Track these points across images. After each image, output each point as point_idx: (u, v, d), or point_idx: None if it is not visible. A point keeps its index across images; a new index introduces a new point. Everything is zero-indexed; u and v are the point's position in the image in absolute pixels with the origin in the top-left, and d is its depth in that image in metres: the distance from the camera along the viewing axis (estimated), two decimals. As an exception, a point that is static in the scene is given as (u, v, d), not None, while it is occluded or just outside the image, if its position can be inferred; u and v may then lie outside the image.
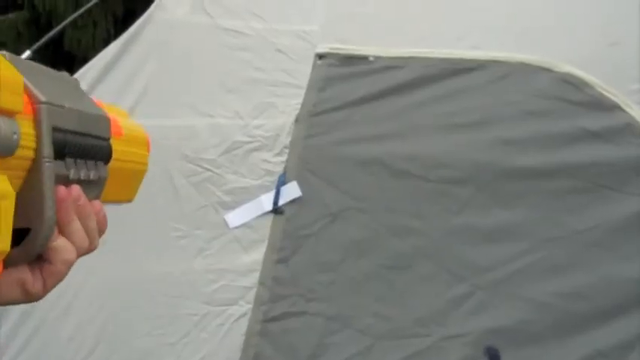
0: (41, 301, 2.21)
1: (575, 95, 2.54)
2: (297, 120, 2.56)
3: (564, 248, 2.44)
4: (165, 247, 2.50)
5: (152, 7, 2.74)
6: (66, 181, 0.61)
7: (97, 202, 0.66)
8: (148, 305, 2.46)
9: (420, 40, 2.65)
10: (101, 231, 0.67)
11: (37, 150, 0.55)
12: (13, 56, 0.58)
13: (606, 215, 2.46)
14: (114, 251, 2.48)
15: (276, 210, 2.47)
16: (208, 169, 2.54)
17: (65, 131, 0.59)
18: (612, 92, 2.54)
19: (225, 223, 2.49)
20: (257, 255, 2.47)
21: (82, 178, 0.63)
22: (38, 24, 9.14)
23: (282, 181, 2.50)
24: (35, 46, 2.81)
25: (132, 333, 2.46)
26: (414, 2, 2.76)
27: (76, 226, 0.62)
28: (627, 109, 2.53)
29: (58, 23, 3.12)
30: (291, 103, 2.58)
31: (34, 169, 0.56)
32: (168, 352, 2.43)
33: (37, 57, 2.80)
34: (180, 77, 2.67)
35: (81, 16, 4.14)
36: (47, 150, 0.56)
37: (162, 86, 2.64)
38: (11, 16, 9.47)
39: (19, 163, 0.54)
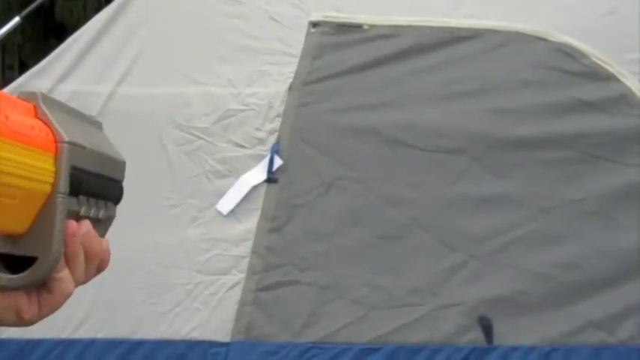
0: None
1: (570, 65, 2.53)
2: (290, 88, 2.53)
3: (559, 218, 2.44)
4: (159, 216, 2.48)
5: (144, -26, 2.70)
6: (77, 217, 0.64)
7: (104, 240, 0.69)
8: (141, 274, 2.45)
9: (415, 8, 2.63)
10: (101, 268, 0.69)
11: (54, 185, 0.60)
12: (46, 96, 0.62)
13: (601, 185, 2.46)
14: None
15: (270, 179, 2.46)
16: (201, 138, 2.51)
17: (83, 171, 0.64)
18: (608, 62, 2.53)
19: (218, 192, 2.47)
20: (250, 224, 2.45)
21: (91, 215, 0.67)
22: (28, -6, 9.05)
23: (275, 150, 2.48)
24: (24, 12, 2.77)
25: (125, 302, 2.44)
26: (409, -30, 2.73)
27: (81, 260, 0.65)
28: (623, 80, 2.52)
29: (49, -8, 3.07)
30: (284, 71, 2.55)
31: (49, 202, 0.60)
32: (160, 321, 2.43)
33: (29, 26, 2.76)
34: (172, 45, 2.64)
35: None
36: (63, 186, 0.60)
37: (154, 54, 2.61)
38: (1, -14, 9.37)
39: (36, 195, 0.59)
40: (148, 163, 2.51)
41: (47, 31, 9.36)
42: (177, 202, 2.48)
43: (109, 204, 0.71)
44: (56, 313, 2.11)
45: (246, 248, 2.44)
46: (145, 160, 2.52)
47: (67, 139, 0.60)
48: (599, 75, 2.51)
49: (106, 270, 2.26)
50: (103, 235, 0.70)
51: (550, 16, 2.60)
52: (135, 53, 2.60)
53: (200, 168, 2.49)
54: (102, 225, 0.70)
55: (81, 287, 2.17)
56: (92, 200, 0.67)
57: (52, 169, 0.59)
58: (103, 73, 2.57)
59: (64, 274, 0.63)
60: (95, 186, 0.66)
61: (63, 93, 2.54)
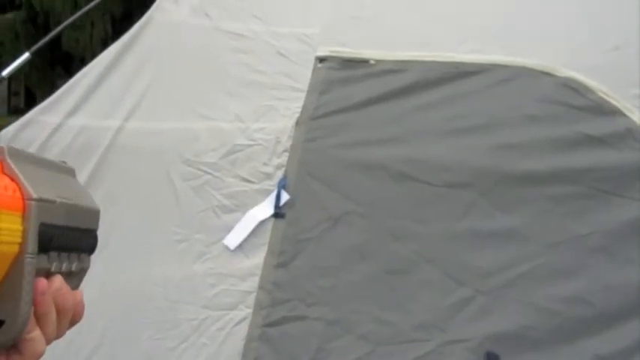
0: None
1: (576, 100, 2.54)
2: (297, 123, 2.55)
3: (566, 253, 2.43)
4: (165, 251, 2.48)
5: (152, 8, 2.73)
6: (47, 274, 0.62)
7: (78, 293, 0.66)
8: (148, 310, 2.45)
9: (421, 43, 2.65)
10: (75, 322, 0.67)
11: (23, 245, 0.57)
12: (13, 148, 0.59)
13: (608, 220, 2.45)
14: (114, 255, 2.47)
15: (277, 214, 2.46)
16: (208, 173, 2.52)
17: (53, 226, 0.61)
18: (613, 97, 2.54)
19: (225, 226, 2.47)
20: (257, 259, 2.45)
21: (63, 270, 0.64)
22: (35, 23, 9.12)
23: (282, 185, 2.49)
24: (34, 48, 2.80)
25: (132, 337, 2.44)
26: (415, 6, 2.75)
27: (52, 317, 0.63)
28: (628, 114, 2.53)
29: (56, 22, 3.12)
30: (291, 106, 2.57)
31: (17, 262, 0.57)
32: (168, 357, 2.42)
33: (35, 56, 2.78)
34: (180, 80, 2.66)
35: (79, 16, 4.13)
36: (31, 247, 0.57)
37: (161, 89, 2.63)
38: (9, 15, 9.45)
39: (3, 256, 0.56)
40: (156, 197, 2.52)
41: (53, 59, 9.42)
42: (184, 237, 2.48)
43: (83, 255, 0.68)
44: (63, 350, 2.11)
45: (253, 283, 2.44)
46: (153, 194, 2.53)
47: (34, 195, 0.57)
48: (605, 110, 2.52)
49: (113, 305, 2.26)
50: (76, 287, 0.67)
51: (555, 51, 2.61)
52: (143, 88, 2.62)
53: (207, 203, 2.50)
54: (75, 277, 0.67)
55: (86, 324, 2.15)
56: (64, 255, 0.64)
57: (20, 228, 0.57)
58: (111, 107, 2.59)
59: (35, 334, 0.60)
60: (66, 240, 0.63)
61: (72, 128, 2.56)
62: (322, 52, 2.63)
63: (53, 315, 0.63)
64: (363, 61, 2.61)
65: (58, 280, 0.63)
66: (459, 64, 2.59)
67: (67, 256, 0.65)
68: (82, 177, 2.51)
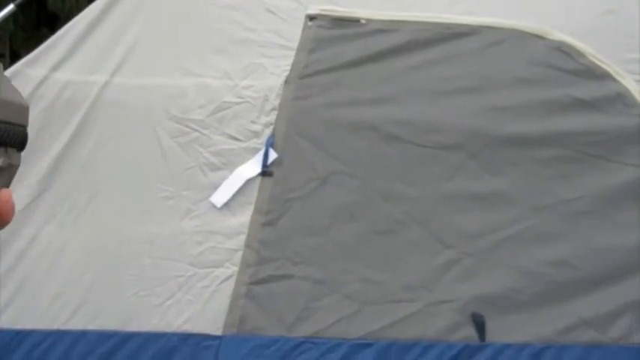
0: (23, 260, 2.17)
1: (567, 63, 2.53)
2: (286, 81, 2.52)
3: (553, 217, 2.44)
4: (152, 208, 2.46)
5: (140, -37, 2.68)
6: None
7: (4, 191, 0.64)
8: (134, 266, 2.43)
9: (413, 4, 2.62)
10: (3, 220, 0.64)
11: None
12: None
13: (596, 184, 2.46)
14: (100, 211, 2.46)
15: (265, 172, 2.45)
16: (196, 130, 2.50)
17: None
18: (605, 61, 2.53)
19: (213, 184, 2.46)
20: (244, 217, 2.44)
21: None
22: (21, -18, 8.98)
23: (270, 143, 2.47)
24: (18, 0, 2.74)
25: (117, 294, 2.43)
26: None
27: None
28: (619, 79, 2.52)
29: (42, -19, 3.04)
30: (281, 64, 2.54)
31: None
32: (153, 314, 2.41)
33: (21, 15, 2.73)
34: (168, 36, 2.62)
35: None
36: None
37: (149, 45, 2.59)
38: (-7, -27, 9.31)
39: None
40: (142, 154, 2.50)
41: (39, 20, 9.30)
42: (171, 195, 2.46)
43: (11, 150, 0.66)
44: (47, 305, 2.09)
45: (239, 241, 2.43)
46: (139, 151, 2.50)
47: None
48: (596, 74, 2.51)
49: (98, 261, 2.23)
50: (5, 185, 0.66)
51: (548, 14, 2.60)
52: (130, 44, 2.57)
53: (194, 160, 2.48)
54: (3, 173, 0.65)
55: (72, 279, 2.15)
56: None
57: None
58: (97, 62, 2.55)
59: None
60: None
61: (57, 82, 2.52)
62: (313, 10, 2.59)
63: None
64: (354, 20, 2.58)
65: None
66: (451, 25, 2.57)
67: None
68: (67, 131, 2.49)
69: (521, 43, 2.55)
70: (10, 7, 2.63)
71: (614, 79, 2.52)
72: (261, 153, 2.45)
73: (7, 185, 0.65)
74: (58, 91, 2.51)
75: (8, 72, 2.52)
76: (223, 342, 2.39)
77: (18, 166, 0.67)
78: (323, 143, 2.47)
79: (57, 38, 2.58)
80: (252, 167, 2.45)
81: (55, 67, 2.53)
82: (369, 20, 2.58)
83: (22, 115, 0.68)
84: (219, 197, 2.44)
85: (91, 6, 2.63)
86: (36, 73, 2.49)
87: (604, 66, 2.53)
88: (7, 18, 2.79)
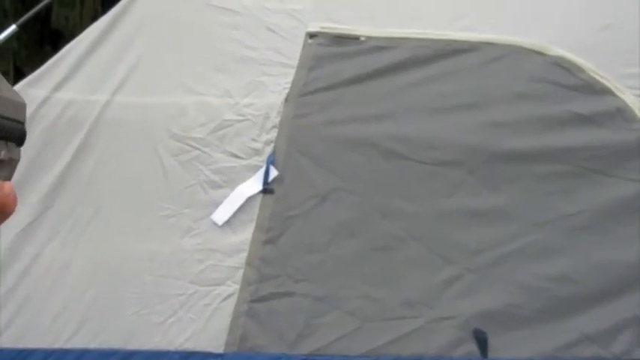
0: (26, 278, 2.17)
1: (567, 79, 2.53)
2: (287, 99, 2.53)
3: (554, 232, 2.44)
4: (154, 226, 2.47)
5: (142, -18, 2.70)
6: None
7: (7, 183, 0.65)
8: (136, 284, 2.44)
9: (412, 20, 2.63)
10: (5, 213, 0.66)
11: None
12: None
13: (596, 199, 2.46)
14: (102, 229, 2.47)
15: (266, 190, 2.45)
16: (197, 148, 2.51)
17: None
18: (604, 76, 2.54)
19: (214, 202, 2.47)
20: (245, 235, 2.45)
21: None
22: (24, 1, 9.04)
23: (271, 161, 2.48)
24: (21, 20, 2.76)
25: (119, 312, 2.43)
26: (406, -18, 2.73)
27: None
28: (619, 94, 2.53)
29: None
30: (281, 82, 2.55)
31: None
32: (154, 332, 2.41)
33: (24, 33, 2.75)
34: (169, 55, 2.63)
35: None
36: None
37: (150, 63, 2.60)
38: (-3, -8, 9.37)
39: None
40: (144, 172, 2.51)
41: (43, 37, 9.34)
42: (172, 213, 2.47)
43: (11, 144, 0.68)
44: (49, 323, 2.10)
45: (240, 259, 2.43)
46: (140, 169, 2.52)
47: None
48: (595, 89, 2.52)
49: (100, 279, 2.23)
50: (6, 178, 0.68)
51: (547, 29, 2.61)
52: (131, 62, 2.59)
53: (195, 178, 2.49)
54: (4, 167, 0.67)
55: (74, 298, 2.15)
56: None
57: None
58: (99, 82, 2.57)
59: None
60: None
61: (59, 101, 2.53)
62: (313, 27, 2.61)
63: None
64: (354, 38, 2.59)
65: None
66: (451, 42, 2.58)
67: None
68: (69, 151, 2.50)
69: (521, 59, 2.56)
70: (13, 27, 2.65)
71: (614, 94, 2.53)
72: (262, 171, 2.46)
73: (9, 178, 0.67)
74: (60, 111, 2.52)
75: (10, 92, 2.54)
76: (225, 360, 2.39)
77: (18, 160, 0.70)
78: (323, 160, 2.48)
79: (59, 58, 2.59)
80: (253, 185, 2.46)
81: (57, 87, 2.55)
82: (368, 37, 2.59)
83: (20, 112, 0.71)
84: (221, 215, 2.45)
85: (92, 26, 2.65)
86: (38, 93, 2.51)
87: (603, 81, 2.53)
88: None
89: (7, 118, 0.67)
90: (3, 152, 0.66)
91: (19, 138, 0.70)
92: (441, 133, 2.49)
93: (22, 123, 0.71)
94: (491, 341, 2.39)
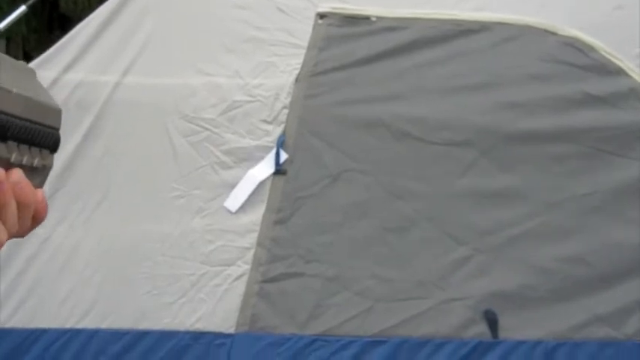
0: (36, 261, 2.18)
1: (579, 59, 2.51)
2: (297, 80, 2.52)
3: (566, 213, 2.43)
4: (164, 207, 2.47)
5: (150, -36, 2.68)
6: (7, 165, 0.61)
7: (39, 191, 0.66)
8: (146, 265, 2.44)
9: (423, 1, 2.61)
10: (38, 219, 0.66)
11: None
12: None
13: (608, 180, 2.45)
14: (111, 210, 2.47)
15: (278, 170, 2.45)
16: (207, 129, 2.50)
17: (10, 115, 0.60)
18: (617, 57, 2.52)
19: (224, 183, 2.46)
20: (256, 215, 2.44)
21: (24, 163, 0.63)
22: (33, -15, 9.03)
23: (281, 142, 2.47)
24: (30, 1, 2.76)
25: (129, 293, 2.44)
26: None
27: (12, 209, 0.62)
28: (632, 74, 2.51)
29: (54, -18, 3.06)
30: (291, 62, 2.54)
31: None
32: (165, 312, 2.42)
33: (33, 17, 2.74)
34: (178, 35, 2.62)
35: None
36: None
37: (160, 44, 2.59)
38: (5, -23, 9.36)
39: None
40: (154, 153, 2.51)
41: (51, 22, 9.35)
42: (182, 193, 2.47)
43: (44, 152, 0.68)
44: (60, 304, 2.10)
45: (251, 240, 2.43)
46: (151, 150, 2.51)
47: None
48: (608, 69, 2.50)
49: (110, 260, 2.24)
50: (40, 185, 0.68)
51: (559, 9, 2.58)
52: (141, 43, 2.58)
53: (206, 159, 2.49)
54: (37, 174, 0.67)
55: (84, 279, 2.16)
56: (24, 147, 0.63)
57: None
58: (108, 62, 2.56)
59: None
60: (26, 131, 0.63)
61: (68, 82, 2.53)
62: (323, 8, 2.59)
63: (13, 207, 0.62)
64: (364, 18, 2.58)
65: (18, 172, 0.62)
66: (462, 22, 2.56)
67: (28, 150, 0.64)
68: (79, 132, 2.50)
69: (533, 39, 2.54)
70: (22, 8, 2.65)
71: (627, 75, 2.51)
72: (273, 154, 2.46)
73: (41, 186, 0.67)
74: (70, 92, 2.52)
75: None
76: (235, 340, 2.40)
77: (51, 167, 0.69)
78: (334, 141, 2.47)
79: (68, 39, 2.59)
80: (264, 169, 2.46)
81: (67, 69, 2.54)
82: (379, 18, 2.57)
83: (56, 118, 0.70)
84: (233, 202, 2.45)
85: (101, 7, 2.64)
86: (48, 75, 2.50)
87: (616, 61, 2.51)
88: (19, 20, 2.81)
89: (43, 125, 0.67)
90: (37, 159, 0.65)
91: (53, 145, 0.69)
92: (453, 113, 2.48)
93: (57, 129, 0.70)
94: (501, 322, 2.39)
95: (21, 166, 0.62)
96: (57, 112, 0.71)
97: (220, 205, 2.45)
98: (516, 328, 2.38)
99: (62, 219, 2.48)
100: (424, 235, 2.42)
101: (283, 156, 2.46)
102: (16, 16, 2.63)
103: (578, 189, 2.44)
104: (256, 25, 2.60)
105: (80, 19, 2.77)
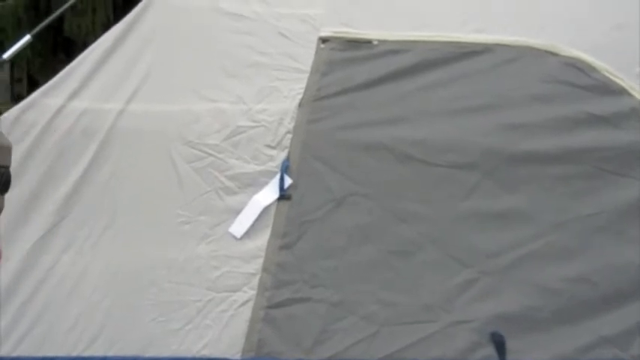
0: (43, 288, 2.18)
1: (581, 79, 2.53)
2: (300, 104, 2.54)
3: (570, 233, 2.42)
4: (169, 233, 2.48)
5: (153, -10, 2.71)
6: None
7: None
8: (152, 291, 2.44)
9: (424, 24, 2.63)
10: None
11: None
12: None
13: (612, 200, 2.45)
14: (117, 238, 2.47)
15: (282, 195, 2.46)
16: (211, 155, 2.52)
17: None
18: (618, 76, 2.53)
19: (229, 208, 2.47)
20: (261, 241, 2.45)
21: None
22: (37, 9, 9.08)
23: (285, 166, 2.48)
24: (35, 30, 2.78)
25: (136, 319, 2.44)
26: (418, -15, 2.73)
27: None
28: (634, 94, 2.52)
29: (58, 8, 3.09)
30: (294, 87, 2.56)
31: None
32: (172, 339, 2.42)
33: (38, 41, 2.77)
34: (182, 62, 2.64)
35: (80, 1, 4.12)
36: None
37: (163, 71, 2.61)
38: (10, 1, 9.42)
39: None
40: (159, 180, 2.52)
41: (56, 46, 9.40)
42: (187, 219, 2.48)
43: None
44: (67, 331, 2.10)
45: (257, 265, 2.43)
46: (156, 177, 2.52)
47: None
48: (609, 89, 2.51)
49: (117, 287, 2.24)
50: None
51: (559, 30, 2.60)
52: (144, 70, 2.60)
53: (210, 185, 2.50)
54: None
55: (91, 306, 2.16)
56: None
57: None
58: (113, 90, 2.58)
59: None
60: None
61: (74, 110, 2.55)
62: (325, 32, 2.62)
63: None
64: (366, 42, 2.60)
65: None
66: (463, 44, 2.58)
67: None
68: (85, 159, 2.51)
69: (534, 60, 2.56)
70: (27, 37, 2.67)
71: (629, 94, 2.52)
72: (277, 179, 2.47)
73: None
74: (75, 120, 2.54)
75: (25, 102, 2.56)
76: (242, 366, 2.39)
77: (2, 208, 0.66)
78: (338, 165, 2.48)
79: (73, 67, 2.61)
80: (268, 194, 2.47)
81: (72, 96, 2.56)
82: (381, 41, 2.59)
83: (5, 156, 0.67)
84: (238, 228, 2.45)
85: (105, 34, 2.66)
86: (53, 103, 2.52)
87: (618, 81, 2.53)
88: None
89: None
90: None
91: (3, 184, 0.66)
92: (456, 135, 2.49)
93: (7, 167, 0.67)
94: (509, 344, 2.38)
95: None
96: (6, 150, 0.67)
97: (225, 231, 2.46)
98: (523, 350, 2.37)
99: (69, 245, 2.50)
100: (429, 258, 2.42)
101: (287, 181, 2.47)
102: (21, 46, 2.65)
103: (582, 209, 2.44)
104: (259, 50, 2.62)
105: (84, 42, 2.80)
